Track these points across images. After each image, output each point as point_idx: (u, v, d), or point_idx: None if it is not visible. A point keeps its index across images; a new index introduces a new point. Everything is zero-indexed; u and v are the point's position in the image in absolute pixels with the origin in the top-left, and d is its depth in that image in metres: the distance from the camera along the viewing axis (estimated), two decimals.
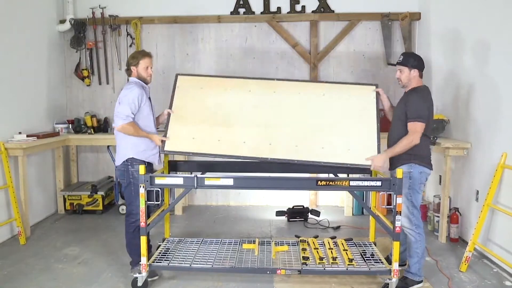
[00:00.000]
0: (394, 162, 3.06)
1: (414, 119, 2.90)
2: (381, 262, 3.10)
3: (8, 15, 4.10)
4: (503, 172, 3.26)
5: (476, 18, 3.73)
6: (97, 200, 4.80)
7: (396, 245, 2.82)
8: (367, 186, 2.86)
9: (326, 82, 3.43)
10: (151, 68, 3.23)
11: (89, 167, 5.36)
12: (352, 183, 2.84)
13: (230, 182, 2.89)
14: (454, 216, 3.90)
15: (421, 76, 3.07)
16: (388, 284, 2.89)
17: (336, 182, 2.84)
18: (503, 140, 3.33)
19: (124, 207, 4.84)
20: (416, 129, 2.90)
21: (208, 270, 3.10)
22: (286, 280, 3.17)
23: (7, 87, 4.06)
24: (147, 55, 3.21)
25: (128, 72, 3.22)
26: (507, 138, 3.28)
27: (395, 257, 2.83)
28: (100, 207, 4.82)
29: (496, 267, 3.36)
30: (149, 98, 3.26)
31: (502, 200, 3.32)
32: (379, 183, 2.82)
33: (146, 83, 3.23)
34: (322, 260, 3.14)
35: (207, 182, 2.90)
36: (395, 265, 2.84)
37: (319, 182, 2.84)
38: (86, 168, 5.35)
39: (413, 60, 3.06)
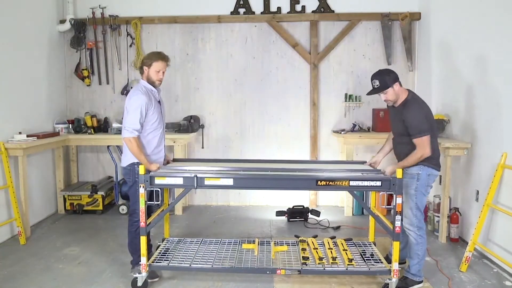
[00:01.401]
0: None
1: (418, 135, 2.87)
2: (381, 262, 3.10)
3: (8, 15, 4.10)
4: (503, 172, 3.26)
5: (477, 18, 3.73)
6: (97, 200, 4.80)
7: (396, 245, 2.82)
8: (367, 186, 2.85)
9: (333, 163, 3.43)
10: (163, 72, 3.14)
11: (89, 167, 5.36)
12: (352, 183, 2.83)
13: (230, 182, 2.89)
14: (454, 216, 3.90)
15: (400, 84, 3.02)
16: (388, 284, 2.89)
17: (336, 182, 2.84)
18: (503, 140, 3.33)
19: (124, 207, 4.84)
20: (423, 143, 2.86)
21: (208, 270, 3.10)
22: (286, 280, 3.17)
23: (7, 87, 4.06)
24: (163, 58, 3.09)
25: (141, 70, 3.14)
26: (507, 138, 3.28)
27: (395, 257, 2.83)
28: (100, 207, 4.82)
29: (496, 267, 3.36)
30: (159, 102, 3.23)
31: (502, 200, 3.32)
32: (379, 183, 2.82)
33: (154, 87, 3.16)
34: (322, 260, 3.14)
35: (207, 182, 2.90)
36: (395, 265, 2.83)
37: (319, 182, 2.83)
38: (86, 168, 5.35)
39: (388, 78, 2.97)
